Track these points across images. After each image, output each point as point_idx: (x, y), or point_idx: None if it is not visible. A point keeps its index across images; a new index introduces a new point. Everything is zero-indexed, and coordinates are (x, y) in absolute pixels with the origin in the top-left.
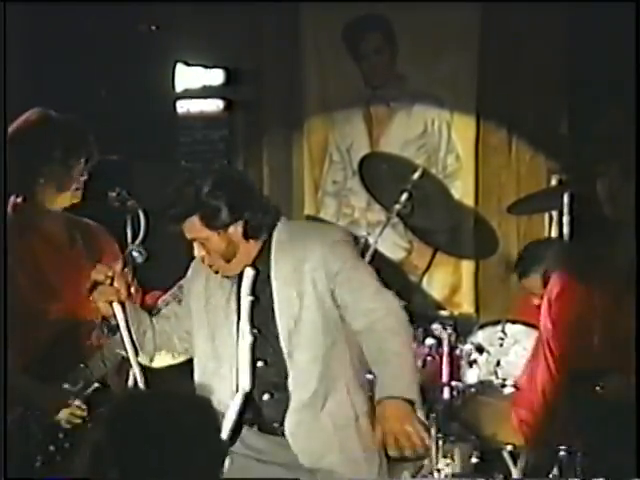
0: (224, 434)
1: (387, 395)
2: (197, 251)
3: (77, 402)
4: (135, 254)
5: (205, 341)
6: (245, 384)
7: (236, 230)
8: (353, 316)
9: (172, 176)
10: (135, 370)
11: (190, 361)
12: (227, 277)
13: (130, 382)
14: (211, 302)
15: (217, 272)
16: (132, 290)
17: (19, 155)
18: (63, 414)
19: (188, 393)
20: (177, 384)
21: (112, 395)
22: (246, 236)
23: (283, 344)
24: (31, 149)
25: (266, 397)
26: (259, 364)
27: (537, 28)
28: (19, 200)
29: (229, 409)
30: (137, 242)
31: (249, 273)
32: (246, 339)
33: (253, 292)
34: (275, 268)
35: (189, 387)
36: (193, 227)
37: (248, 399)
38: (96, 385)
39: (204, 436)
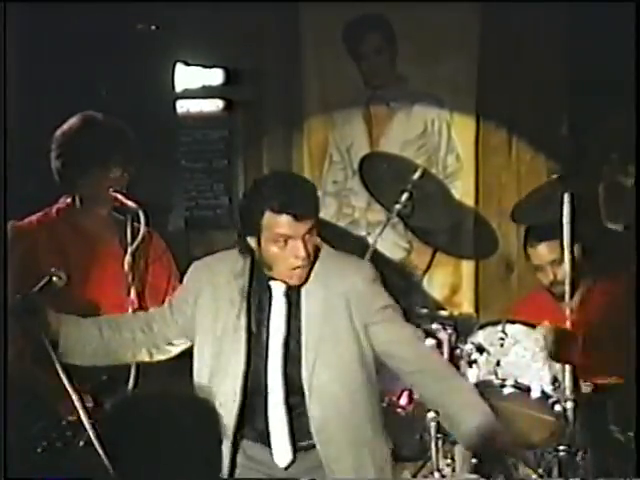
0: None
1: (476, 431)
2: (303, 250)
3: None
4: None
5: (207, 356)
6: (282, 408)
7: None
8: (404, 357)
9: (172, 177)
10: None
11: (189, 361)
12: (236, 292)
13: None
14: (220, 317)
15: (285, 282)
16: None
17: (65, 157)
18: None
19: (187, 394)
20: (176, 385)
21: (118, 388)
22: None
23: (304, 375)
24: (72, 151)
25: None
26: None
27: (537, 28)
28: (68, 201)
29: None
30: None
31: (280, 300)
32: (277, 364)
33: (288, 317)
34: (307, 293)
35: (188, 388)
36: (311, 219)
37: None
38: (103, 377)
39: (202, 437)
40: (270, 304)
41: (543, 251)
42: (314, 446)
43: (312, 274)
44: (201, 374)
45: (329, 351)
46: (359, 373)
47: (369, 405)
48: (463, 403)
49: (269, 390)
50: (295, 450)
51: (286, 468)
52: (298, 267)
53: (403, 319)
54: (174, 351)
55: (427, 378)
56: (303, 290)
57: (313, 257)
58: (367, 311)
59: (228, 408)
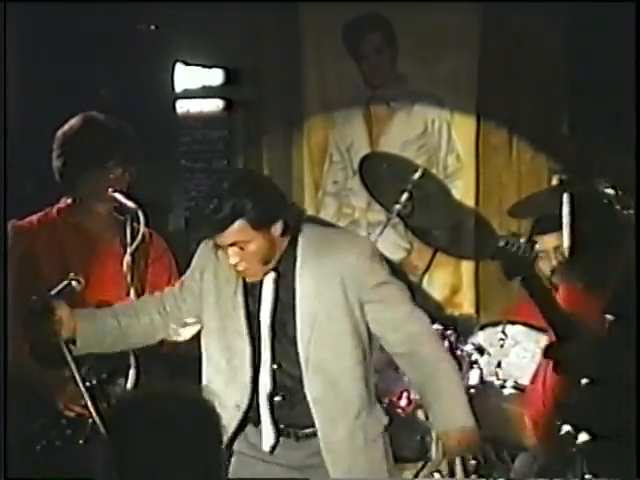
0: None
1: (447, 428)
2: (233, 257)
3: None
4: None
5: (214, 332)
6: (266, 386)
7: (277, 228)
8: (392, 340)
9: (172, 176)
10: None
11: (189, 362)
12: (234, 271)
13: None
14: (222, 295)
15: (243, 279)
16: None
17: (65, 157)
18: (64, 402)
19: (187, 394)
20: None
21: (118, 387)
22: (284, 234)
23: (301, 351)
24: (72, 151)
25: (278, 399)
26: (273, 366)
27: (537, 28)
28: (69, 200)
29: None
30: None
31: (270, 275)
32: (266, 341)
33: (276, 294)
34: (300, 274)
35: (189, 388)
36: (241, 230)
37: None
38: (103, 376)
39: (204, 437)
40: (261, 287)
41: (550, 238)
42: (315, 434)
43: (298, 257)
44: (209, 351)
45: (324, 328)
46: (354, 350)
47: (363, 381)
48: (444, 394)
49: (260, 371)
50: (296, 437)
51: (271, 451)
52: (240, 270)
53: (402, 296)
54: (189, 332)
55: (413, 361)
56: (297, 272)
57: (265, 260)
58: (361, 288)
59: (240, 391)
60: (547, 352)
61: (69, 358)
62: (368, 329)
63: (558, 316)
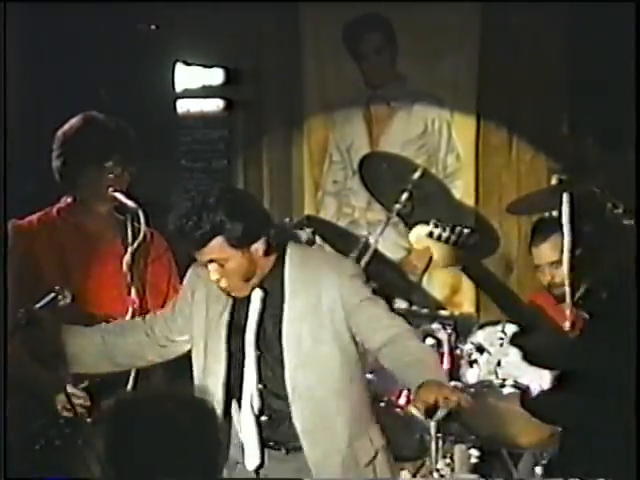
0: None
1: (421, 382)
2: (213, 274)
3: (77, 391)
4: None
5: (201, 352)
6: (254, 404)
7: (257, 248)
8: (371, 336)
9: (172, 176)
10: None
11: (189, 363)
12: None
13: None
14: (209, 314)
15: (229, 293)
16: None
17: (65, 157)
18: (62, 402)
19: (184, 395)
20: (175, 386)
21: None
22: (266, 253)
23: (287, 376)
24: (72, 150)
25: (264, 418)
26: (259, 386)
27: (537, 28)
28: (69, 200)
29: (248, 431)
30: None
31: (257, 293)
32: (251, 360)
33: (262, 313)
34: (289, 297)
35: (186, 389)
36: (217, 247)
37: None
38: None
39: (200, 438)
40: (248, 304)
41: (546, 251)
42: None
43: (286, 277)
44: (197, 371)
45: (310, 352)
46: (342, 373)
47: (355, 404)
48: (420, 364)
49: (243, 391)
50: (286, 450)
51: (257, 470)
52: (223, 287)
53: (385, 307)
54: (179, 349)
55: (394, 350)
56: (285, 293)
57: (245, 278)
58: (346, 308)
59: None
60: (512, 339)
61: (58, 366)
62: (357, 346)
63: (509, 304)
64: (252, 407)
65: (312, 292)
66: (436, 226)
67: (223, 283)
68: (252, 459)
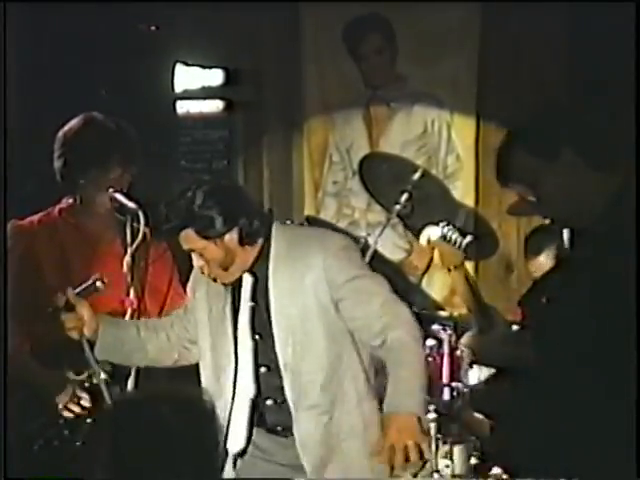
0: (232, 439)
1: (394, 411)
2: (195, 262)
3: (79, 392)
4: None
5: (207, 350)
6: (249, 390)
7: (232, 238)
8: (369, 335)
9: (172, 177)
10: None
11: (189, 364)
12: (224, 284)
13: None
14: (212, 311)
15: (215, 280)
16: (132, 295)
17: (66, 157)
18: (63, 402)
19: (184, 396)
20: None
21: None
22: (242, 243)
23: (279, 354)
24: (73, 151)
25: (269, 402)
26: (262, 369)
27: (537, 29)
28: (70, 201)
29: (239, 416)
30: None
31: (248, 280)
32: (246, 345)
33: (253, 298)
34: (273, 278)
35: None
36: (189, 239)
37: (253, 403)
38: (103, 377)
39: (200, 439)
40: (240, 291)
41: (542, 263)
42: None
43: (271, 261)
44: (205, 370)
45: (299, 331)
46: (327, 352)
47: (339, 382)
48: (400, 381)
49: (237, 377)
50: (276, 434)
51: (240, 455)
52: (210, 274)
53: (375, 289)
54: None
55: (385, 348)
56: (270, 276)
57: (223, 267)
58: (332, 287)
59: (223, 411)
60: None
61: (91, 358)
62: (345, 323)
63: (480, 307)
64: (250, 393)
65: (297, 271)
66: (448, 229)
67: (206, 270)
68: (237, 442)
